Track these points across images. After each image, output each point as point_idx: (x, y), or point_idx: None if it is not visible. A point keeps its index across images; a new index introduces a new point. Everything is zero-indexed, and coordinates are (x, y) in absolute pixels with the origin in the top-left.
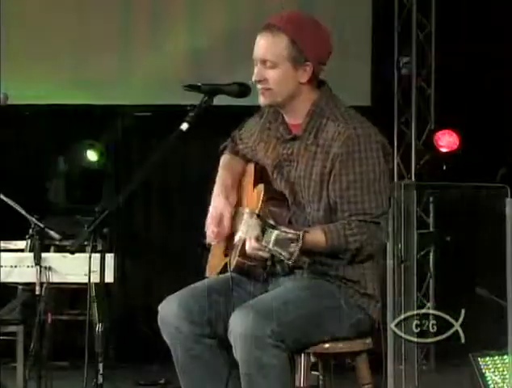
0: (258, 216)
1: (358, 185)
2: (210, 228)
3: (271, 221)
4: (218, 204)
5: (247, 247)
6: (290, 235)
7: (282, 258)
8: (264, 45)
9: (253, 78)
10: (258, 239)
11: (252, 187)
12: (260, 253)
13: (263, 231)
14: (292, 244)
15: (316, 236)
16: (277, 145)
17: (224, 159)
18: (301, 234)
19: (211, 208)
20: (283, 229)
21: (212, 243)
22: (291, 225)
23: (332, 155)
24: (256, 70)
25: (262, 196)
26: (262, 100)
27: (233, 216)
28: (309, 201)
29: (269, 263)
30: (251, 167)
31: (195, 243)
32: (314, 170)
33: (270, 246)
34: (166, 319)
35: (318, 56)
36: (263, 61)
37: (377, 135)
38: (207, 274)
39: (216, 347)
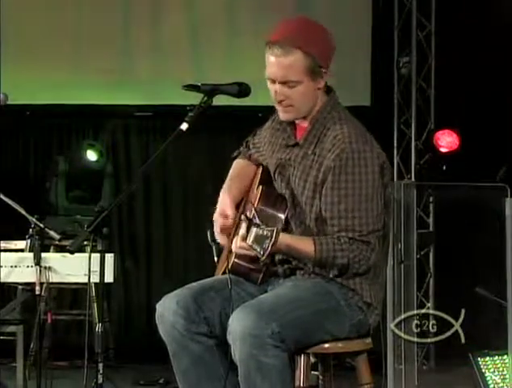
0: (247, 218)
1: (350, 200)
2: (217, 222)
3: (257, 220)
4: (222, 200)
5: (233, 247)
6: (265, 232)
7: (258, 255)
8: (282, 66)
9: (275, 99)
10: (243, 239)
11: (256, 189)
12: (245, 252)
13: (248, 230)
14: (266, 240)
15: (307, 244)
16: (280, 148)
17: (235, 164)
18: (275, 230)
19: (217, 207)
20: (263, 227)
21: (220, 237)
22: (288, 226)
23: (324, 167)
24: (276, 90)
25: (258, 197)
26: (285, 116)
27: (238, 222)
28: (305, 207)
29: (263, 264)
30: (260, 169)
31: (210, 239)
32: (309, 179)
33: (250, 243)
34: (164, 316)
35: (329, 59)
36: (284, 82)
37: (374, 150)
38: (215, 274)
39: (213, 346)
